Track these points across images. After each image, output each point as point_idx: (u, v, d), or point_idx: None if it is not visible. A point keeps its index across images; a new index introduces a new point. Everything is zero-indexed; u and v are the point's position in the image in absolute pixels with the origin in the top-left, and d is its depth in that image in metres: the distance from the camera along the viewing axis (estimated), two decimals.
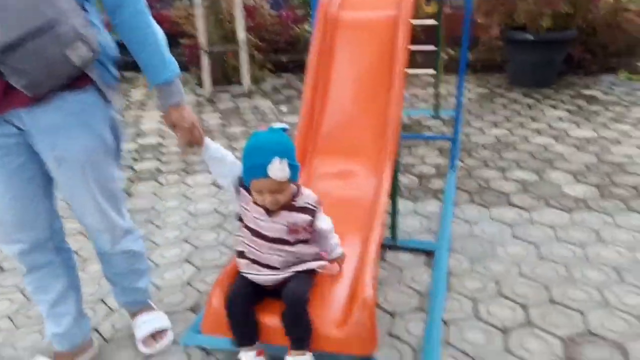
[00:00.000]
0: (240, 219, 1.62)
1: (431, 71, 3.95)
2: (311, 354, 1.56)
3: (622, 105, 4.49)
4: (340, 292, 1.73)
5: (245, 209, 1.58)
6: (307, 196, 1.59)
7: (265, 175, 1.43)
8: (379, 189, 2.03)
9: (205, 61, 5.15)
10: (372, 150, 2.19)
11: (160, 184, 3.39)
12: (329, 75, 2.41)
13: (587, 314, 2.01)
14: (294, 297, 1.55)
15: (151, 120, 4.71)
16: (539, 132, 3.99)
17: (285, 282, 1.60)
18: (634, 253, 2.39)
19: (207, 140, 1.63)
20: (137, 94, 5.58)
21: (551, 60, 5.02)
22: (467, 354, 1.83)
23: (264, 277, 1.59)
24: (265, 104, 5.05)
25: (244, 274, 1.62)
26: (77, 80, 1.43)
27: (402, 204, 2.93)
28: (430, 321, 1.99)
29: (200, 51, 5.11)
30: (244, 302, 1.59)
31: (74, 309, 1.75)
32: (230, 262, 1.76)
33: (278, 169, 1.43)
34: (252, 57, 5.55)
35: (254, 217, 1.56)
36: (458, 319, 2.02)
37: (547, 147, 3.68)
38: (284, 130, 1.53)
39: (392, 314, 2.06)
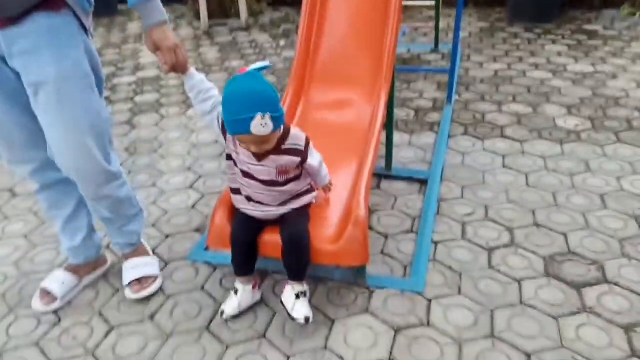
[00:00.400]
0: (229, 157, 1.63)
1: (429, 2, 3.90)
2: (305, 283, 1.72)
3: (622, 40, 4.47)
4: (335, 212, 1.86)
5: (235, 151, 1.58)
6: (295, 137, 1.58)
7: (249, 132, 1.39)
8: (374, 116, 2.10)
9: None
10: (368, 79, 2.24)
11: (162, 116, 3.45)
12: (326, 6, 2.41)
13: (569, 236, 2.14)
14: (294, 239, 1.64)
15: (149, 54, 4.68)
16: (537, 66, 3.99)
17: (282, 217, 1.69)
18: (620, 182, 2.49)
19: (192, 69, 1.59)
20: (134, 27, 5.51)
21: None
22: (453, 270, 1.97)
23: (260, 212, 1.67)
24: (263, 37, 5.00)
25: (242, 209, 1.70)
26: (51, 1, 1.40)
27: (398, 136, 3.00)
28: (420, 241, 2.12)
29: None
30: (246, 235, 1.69)
31: (86, 224, 1.86)
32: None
33: (261, 125, 1.37)
34: None
35: (244, 160, 1.57)
36: (447, 240, 2.15)
37: (544, 81, 3.71)
38: (264, 68, 1.46)
39: (385, 236, 2.19)
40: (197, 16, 5.46)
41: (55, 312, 1.82)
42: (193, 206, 2.46)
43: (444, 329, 1.71)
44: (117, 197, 1.74)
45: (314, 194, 1.75)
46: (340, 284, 1.91)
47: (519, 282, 1.90)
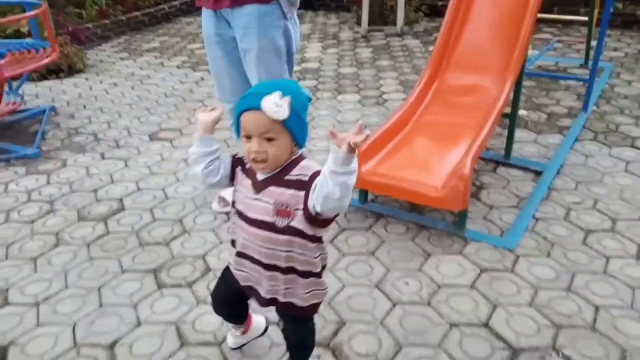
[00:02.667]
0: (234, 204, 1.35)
1: (580, 18, 4.00)
2: None
3: None
4: (445, 168, 2.26)
5: (237, 189, 1.33)
6: (305, 167, 1.22)
7: (258, 107, 1.14)
8: (496, 100, 2.45)
9: (365, 1, 5.68)
10: (497, 69, 2.60)
11: (317, 97, 4.10)
12: (468, 12, 2.81)
13: None
14: (299, 348, 1.53)
15: (313, 50, 5.45)
16: None
17: (282, 310, 1.43)
18: None
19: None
20: (303, 28, 6.35)
21: None
22: (547, 240, 2.23)
23: (243, 273, 1.37)
24: (414, 43, 5.47)
25: (230, 265, 1.44)
26: None
27: (525, 134, 3.24)
28: (522, 214, 2.40)
29: None
30: (231, 302, 1.52)
31: None
32: None
33: (274, 104, 1.13)
34: (409, 0, 5.94)
35: (241, 195, 1.31)
36: (548, 218, 2.39)
37: None
38: (308, 99, 1.26)
39: (490, 207, 2.50)
40: (359, 22, 6.12)
41: (227, 213, 2.49)
42: None
43: (525, 277, 2.00)
44: None
45: (323, 289, 1.37)
46: (441, 232, 2.29)
47: (608, 258, 2.10)
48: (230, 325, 1.64)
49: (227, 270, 1.45)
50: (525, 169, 2.85)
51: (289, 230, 1.23)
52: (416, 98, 2.64)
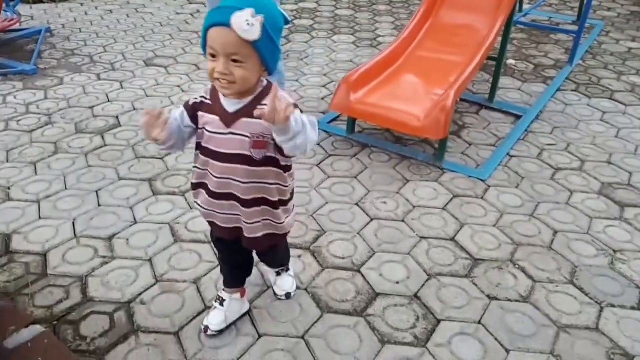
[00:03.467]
0: (198, 146, 1.26)
1: None
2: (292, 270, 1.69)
3: None
4: (429, 100, 2.38)
5: (202, 128, 1.22)
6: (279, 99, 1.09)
7: (227, 23, 1.04)
8: (486, 38, 2.55)
9: None
10: (489, 9, 2.67)
11: (312, 36, 4.15)
12: None
13: (634, 175, 2.41)
14: (280, 265, 1.64)
15: None
16: None
17: (257, 244, 1.38)
18: None
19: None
20: None
21: None
22: (518, 174, 2.39)
23: (223, 216, 1.30)
24: None
25: (203, 213, 1.35)
26: None
27: (511, 81, 3.35)
28: (497, 150, 2.55)
29: None
30: (236, 260, 1.51)
31: None
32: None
33: (246, 22, 1.03)
34: None
35: (210, 133, 1.20)
36: (522, 156, 2.54)
37: None
38: (286, 20, 1.18)
39: (469, 144, 2.65)
40: None
41: None
42: (322, 98, 3.12)
43: (493, 203, 2.17)
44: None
45: (293, 213, 1.38)
46: (421, 162, 2.44)
47: (572, 192, 2.27)
48: (226, 292, 1.53)
49: (211, 225, 1.38)
50: (506, 112, 2.99)
51: (266, 161, 1.20)
52: (409, 34, 2.73)
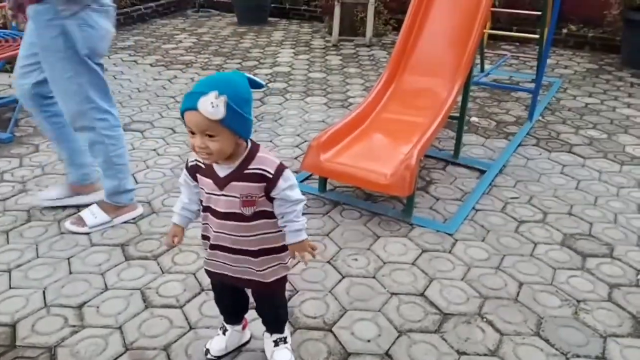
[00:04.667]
0: (201, 202, 1.44)
1: (533, 36, 4.35)
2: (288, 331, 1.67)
3: None
4: (394, 159, 2.49)
5: (201, 188, 1.40)
6: (261, 160, 1.32)
7: (195, 107, 1.18)
8: (446, 100, 2.71)
9: (337, 12, 5.95)
10: (448, 72, 2.87)
11: (286, 98, 4.31)
12: (423, 23, 3.09)
13: (594, 225, 2.52)
14: (276, 322, 1.64)
15: (285, 55, 5.67)
16: (629, 105, 4.23)
17: (254, 291, 1.57)
18: None
19: None
20: (277, 35, 6.58)
21: None
22: (484, 227, 2.48)
23: (220, 263, 1.46)
24: (381, 53, 5.75)
25: (208, 270, 1.53)
26: None
27: (474, 138, 3.52)
28: (463, 204, 2.65)
29: (334, 2, 5.92)
30: (230, 299, 1.62)
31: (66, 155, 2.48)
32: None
33: (210, 104, 1.17)
34: (379, 13, 6.24)
35: (207, 192, 1.38)
36: (486, 210, 2.64)
37: (629, 117, 3.96)
38: (258, 85, 1.33)
39: (437, 199, 2.74)
40: (330, 32, 6.38)
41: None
42: (296, 158, 3.21)
43: (461, 257, 2.24)
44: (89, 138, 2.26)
45: (286, 262, 1.49)
46: (391, 218, 2.51)
47: (536, 244, 2.36)
48: (226, 326, 1.66)
49: (208, 272, 1.54)
50: (471, 167, 3.12)
51: (256, 216, 1.36)
52: (375, 97, 2.88)
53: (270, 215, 1.38)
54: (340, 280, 2.05)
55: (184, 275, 2.06)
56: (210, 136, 1.22)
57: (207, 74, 4.92)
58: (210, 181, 1.35)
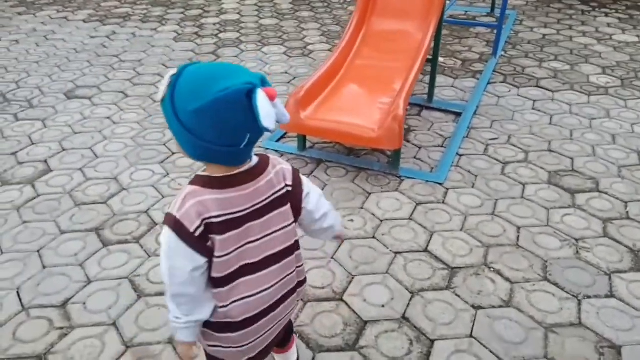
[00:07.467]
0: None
1: None
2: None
3: None
4: (379, 111, 2.37)
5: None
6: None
7: None
8: (422, 43, 2.58)
9: None
10: (420, 14, 2.70)
11: (241, 50, 4.03)
12: None
13: (575, 160, 2.54)
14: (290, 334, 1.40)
15: (231, 1, 5.27)
16: (584, 34, 4.26)
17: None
18: (633, 127, 2.84)
19: None
20: None
21: None
22: (471, 173, 2.44)
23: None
24: None
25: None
26: None
27: (443, 79, 3.43)
28: (447, 151, 2.59)
29: None
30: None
31: None
32: None
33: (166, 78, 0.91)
34: None
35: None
36: (470, 154, 2.60)
37: (587, 46, 4.00)
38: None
39: (419, 147, 2.67)
40: None
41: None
42: None
43: (455, 206, 2.19)
44: None
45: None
46: (378, 172, 2.42)
47: (524, 185, 2.35)
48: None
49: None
50: (446, 111, 3.05)
51: (295, 245, 1.10)
52: (346, 43, 2.70)
53: (298, 243, 1.13)
54: (340, 245, 1.96)
55: None
56: None
57: (149, 27, 4.50)
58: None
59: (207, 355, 1.15)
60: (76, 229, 2.05)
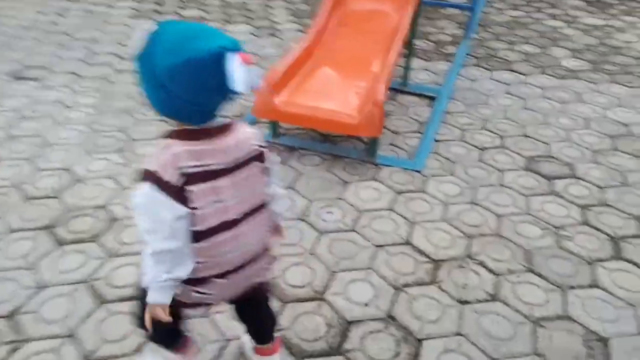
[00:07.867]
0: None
1: None
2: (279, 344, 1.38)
3: (637, 0, 4.68)
4: (358, 96, 2.25)
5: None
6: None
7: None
8: (400, 24, 2.46)
9: None
10: None
11: None
12: None
13: (551, 145, 2.51)
14: (273, 324, 1.32)
15: None
16: (554, 16, 4.26)
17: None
18: (606, 111, 2.84)
19: None
20: None
21: None
22: (449, 160, 2.37)
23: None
24: None
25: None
26: None
27: (416, 62, 3.34)
28: (424, 137, 2.51)
29: None
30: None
31: None
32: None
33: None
34: None
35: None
36: (447, 140, 2.53)
37: (557, 29, 3.99)
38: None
39: (395, 132, 2.58)
40: None
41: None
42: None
43: (435, 195, 2.12)
44: None
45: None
46: (355, 160, 2.32)
47: (502, 171, 2.30)
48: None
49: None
50: (420, 95, 2.97)
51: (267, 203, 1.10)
52: (322, 23, 2.56)
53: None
54: (318, 238, 1.85)
55: (138, 257, 1.73)
56: None
57: (104, 2, 4.20)
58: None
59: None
60: (25, 227, 1.85)
